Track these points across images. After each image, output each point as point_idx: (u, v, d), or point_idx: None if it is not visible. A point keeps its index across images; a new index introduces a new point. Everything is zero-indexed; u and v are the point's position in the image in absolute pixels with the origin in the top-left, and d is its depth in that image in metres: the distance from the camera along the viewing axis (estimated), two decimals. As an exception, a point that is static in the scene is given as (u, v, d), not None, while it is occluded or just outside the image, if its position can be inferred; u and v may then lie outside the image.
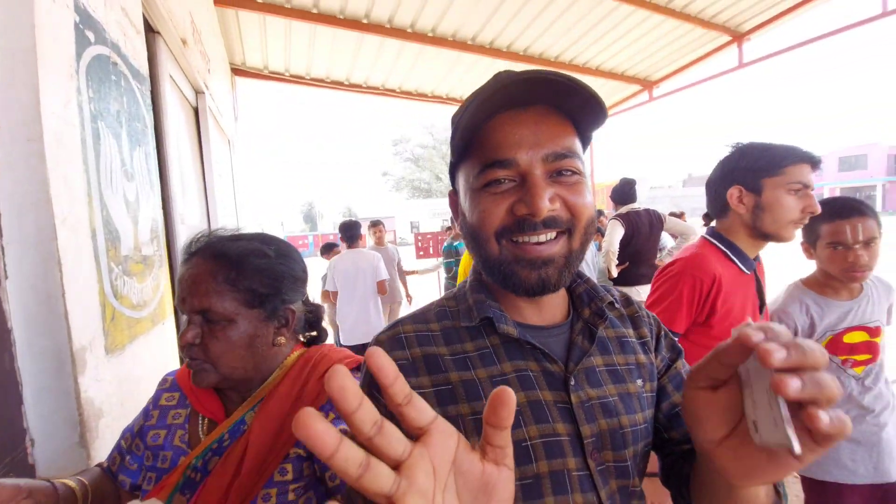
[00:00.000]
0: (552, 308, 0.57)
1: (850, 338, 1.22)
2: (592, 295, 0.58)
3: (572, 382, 0.52)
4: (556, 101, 0.49)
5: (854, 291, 1.26)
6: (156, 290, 1.32)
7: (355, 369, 0.76)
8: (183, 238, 1.74)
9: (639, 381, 0.56)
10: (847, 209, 1.18)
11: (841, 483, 1.20)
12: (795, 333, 1.24)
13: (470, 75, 4.54)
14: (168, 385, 0.80)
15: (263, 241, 0.75)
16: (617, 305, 0.61)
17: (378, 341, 0.55)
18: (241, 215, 3.70)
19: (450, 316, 0.57)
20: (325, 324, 0.92)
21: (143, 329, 1.20)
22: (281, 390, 0.71)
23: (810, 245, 1.25)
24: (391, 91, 4.76)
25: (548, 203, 0.47)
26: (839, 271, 1.20)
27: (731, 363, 0.33)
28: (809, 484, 1.23)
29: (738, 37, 3.90)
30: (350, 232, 3.33)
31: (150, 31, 1.69)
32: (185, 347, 0.68)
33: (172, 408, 0.76)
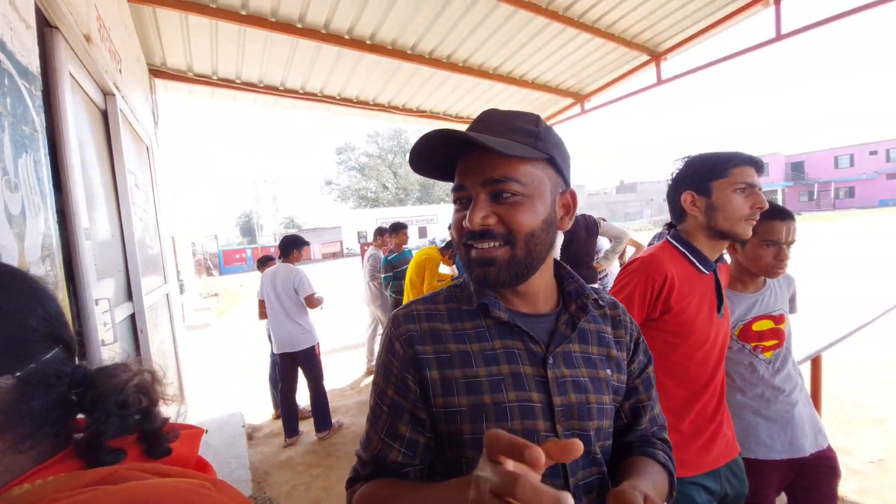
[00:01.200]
0: (538, 300, 0.69)
1: (758, 326, 1.34)
2: (580, 293, 0.70)
3: (550, 361, 0.64)
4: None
5: (759, 285, 1.39)
6: (51, 316, 1.16)
7: None
8: (87, 255, 1.56)
9: (608, 371, 0.69)
10: (782, 212, 1.30)
11: (761, 459, 1.30)
12: None
13: (410, 85, 4.53)
14: None
15: None
16: (602, 304, 0.73)
17: (395, 316, 0.69)
18: (165, 228, 3.41)
19: (455, 299, 0.70)
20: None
21: (34, 361, 1.04)
22: None
23: (738, 242, 1.34)
24: (330, 98, 4.63)
25: (480, 219, 0.60)
26: (764, 266, 1.30)
27: None
28: None
29: (655, 56, 4.23)
30: (286, 247, 3.41)
31: (47, 25, 1.51)
32: None
33: None
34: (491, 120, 0.63)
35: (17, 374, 0.38)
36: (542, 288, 0.68)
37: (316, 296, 3.35)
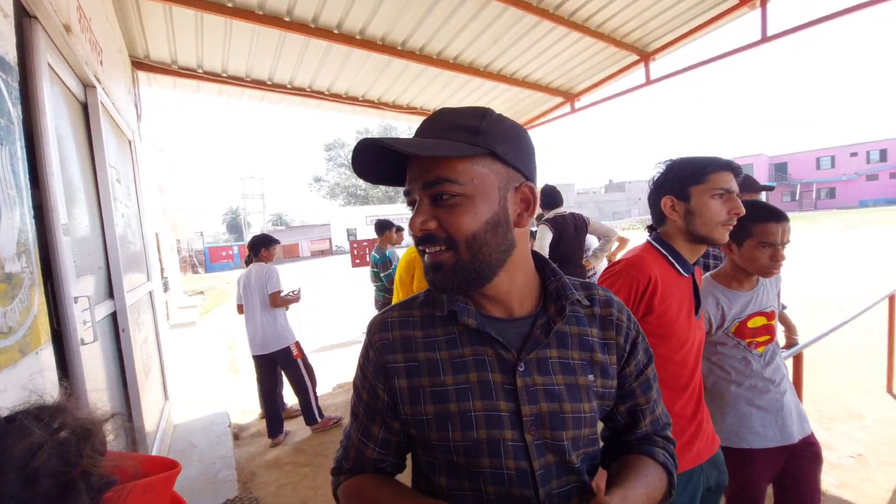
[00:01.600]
0: (511, 303, 0.65)
1: (752, 323, 1.38)
2: (560, 293, 0.66)
3: (521, 368, 0.62)
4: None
5: (753, 283, 1.42)
6: (26, 314, 1.12)
7: None
8: (66, 251, 1.51)
9: (590, 376, 0.65)
10: (777, 214, 1.33)
11: (756, 448, 1.35)
12: (710, 324, 1.38)
13: (401, 81, 4.50)
14: None
15: None
16: (590, 303, 0.69)
17: (372, 322, 0.69)
18: (148, 225, 3.34)
19: (430, 304, 0.67)
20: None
21: (9, 360, 1.01)
22: None
23: (735, 242, 1.37)
24: (318, 93, 4.57)
25: (419, 224, 0.59)
26: (761, 267, 1.33)
27: None
28: (727, 452, 1.35)
29: (644, 56, 4.27)
30: (255, 246, 3.41)
31: (26, 15, 1.46)
32: None
33: None
34: (435, 120, 0.61)
35: None
36: (513, 290, 0.64)
37: (283, 294, 3.31)
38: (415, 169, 0.60)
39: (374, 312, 5.67)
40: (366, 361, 0.68)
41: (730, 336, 1.38)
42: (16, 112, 1.16)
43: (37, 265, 1.20)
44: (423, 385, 0.63)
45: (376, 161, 0.61)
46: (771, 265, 1.32)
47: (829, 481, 2.18)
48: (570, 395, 0.62)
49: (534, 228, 3.71)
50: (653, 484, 0.63)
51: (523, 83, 4.75)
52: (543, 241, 3.42)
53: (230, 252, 29.81)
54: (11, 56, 1.18)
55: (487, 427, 0.60)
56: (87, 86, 2.08)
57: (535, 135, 6.86)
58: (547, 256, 3.45)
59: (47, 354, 1.20)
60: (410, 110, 5.19)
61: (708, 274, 1.48)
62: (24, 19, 1.45)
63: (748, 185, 2.22)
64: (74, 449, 0.32)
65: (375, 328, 0.68)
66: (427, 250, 0.61)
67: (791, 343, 2.22)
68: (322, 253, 35.61)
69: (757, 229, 1.31)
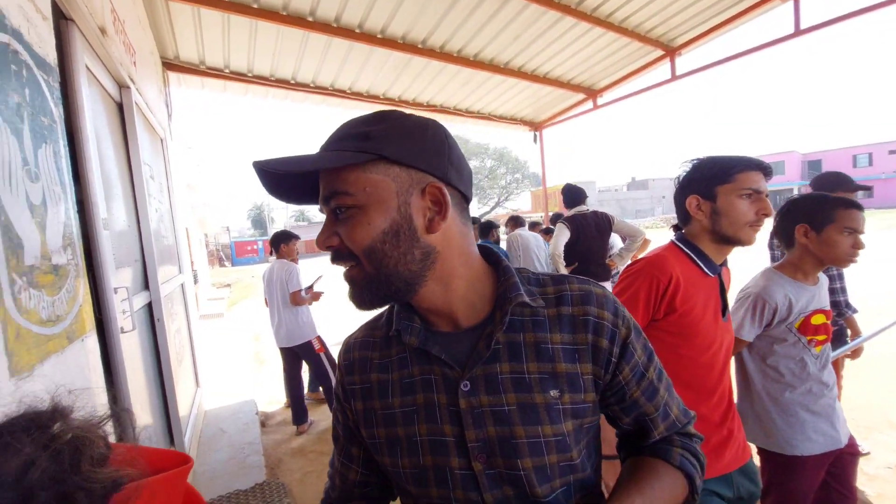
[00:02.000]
0: (456, 314, 0.58)
1: (815, 320, 1.34)
2: (505, 296, 0.57)
3: (465, 387, 0.55)
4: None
5: (816, 278, 1.38)
6: (72, 303, 1.19)
7: None
8: (106, 244, 1.59)
9: (553, 392, 0.55)
10: (857, 203, 1.30)
11: (810, 455, 1.31)
12: (774, 314, 1.33)
13: (421, 79, 4.52)
14: None
15: None
16: (540, 303, 0.58)
17: (343, 342, 0.69)
18: (179, 219, 3.46)
19: (390, 324, 0.63)
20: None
21: (57, 346, 1.07)
22: None
23: (812, 229, 1.32)
24: (340, 91, 4.64)
25: (322, 241, 0.56)
26: (841, 254, 1.29)
27: None
28: (775, 459, 1.33)
29: (670, 51, 4.17)
30: (275, 242, 3.53)
31: (63, 17, 1.54)
32: None
33: None
34: (334, 132, 0.57)
35: None
36: (453, 299, 0.57)
37: (302, 294, 3.38)
38: (321, 184, 0.56)
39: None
40: (337, 384, 0.68)
41: (792, 331, 1.33)
42: (57, 111, 1.23)
43: (81, 257, 1.27)
44: (375, 408, 0.60)
45: (286, 181, 0.56)
46: (851, 253, 1.28)
47: (867, 492, 2.09)
48: (524, 417, 0.54)
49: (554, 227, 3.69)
50: (665, 491, 0.56)
51: (544, 80, 4.71)
52: (559, 240, 3.40)
53: (255, 247, 30.54)
54: (52, 58, 1.25)
55: (433, 453, 0.56)
56: (121, 86, 2.17)
57: (553, 132, 6.77)
58: (561, 256, 3.43)
59: (92, 342, 1.27)
60: (430, 108, 5.21)
61: (771, 265, 1.44)
62: (60, 21, 1.52)
63: (844, 183, 2.12)
64: (69, 460, 0.30)
65: (343, 349, 0.68)
66: (341, 266, 0.57)
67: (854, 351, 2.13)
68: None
69: (841, 215, 1.27)
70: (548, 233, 5.31)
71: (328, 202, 0.54)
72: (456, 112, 5.43)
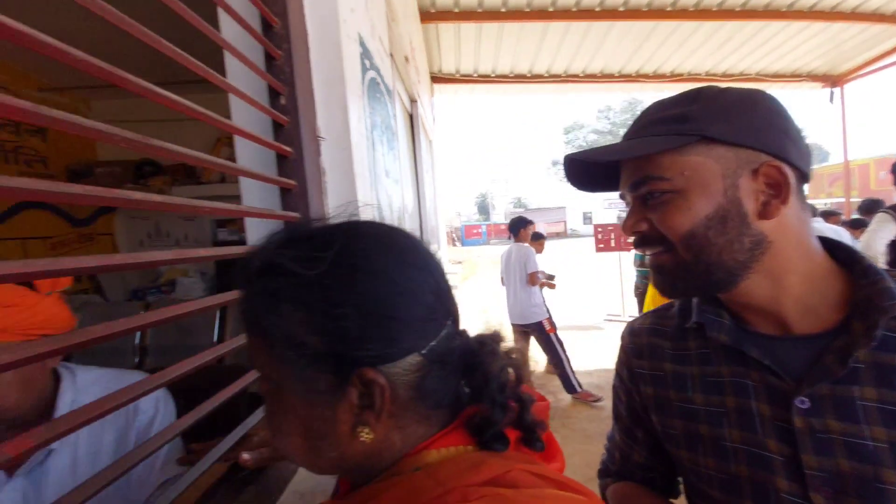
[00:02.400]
0: (786, 315, 0.51)
1: None
2: (869, 305, 0.47)
3: (802, 404, 0.48)
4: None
5: None
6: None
7: None
8: (421, 221, 2.12)
9: None
10: None
11: None
12: None
13: (665, 47, 4.09)
14: None
15: (323, 242, 0.38)
16: None
17: (626, 326, 0.69)
18: (439, 205, 4.22)
19: (682, 314, 0.61)
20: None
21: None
22: None
23: None
24: (574, 77, 4.66)
25: (629, 226, 0.55)
26: None
27: None
28: None
29: None
30: (513, 227, 3.82)
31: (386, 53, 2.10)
32: None
33: None
34: (639, 118, 0.56)
35: (423, 351, 0.38)
36: (784, 298, 0.50)
37: (538, 274, 3.57)
38: (624, 171, 0.56)
39: (628, 298, 5.55)
40: (620, 364, 0.68)
41: None
42: (394, 126, 1.71)
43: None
44: (670, 398, 0.59)
45: (587, 171, 0.59)
46: None
47: None
48: None
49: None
50: None
51: (852, 15, 3.56)
52: (877, 234, 2.60)
53: (479, 230, 33.97)
54: (391, 86, 1.73)
55: (750, 465, 0.50)
56: (412, 101, 2.79)
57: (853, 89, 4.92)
58: (883, 255, 2.55)
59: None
60: (675, 78, 4.66)
61: None
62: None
63: None
64: (521, 368, 0.45)
65: (626, 333, 0.68)
66: (647, 252, 0.56)
67: None
68: (557, 235, 36.15)
69: None
70: (856, 226, 4.06)
71: (637, 187, 0.53)
72: (708, 77, 4.69)
